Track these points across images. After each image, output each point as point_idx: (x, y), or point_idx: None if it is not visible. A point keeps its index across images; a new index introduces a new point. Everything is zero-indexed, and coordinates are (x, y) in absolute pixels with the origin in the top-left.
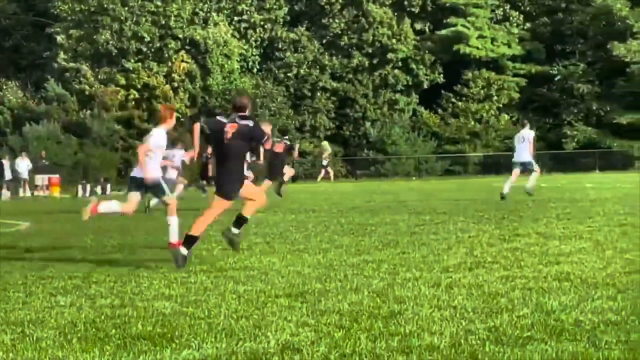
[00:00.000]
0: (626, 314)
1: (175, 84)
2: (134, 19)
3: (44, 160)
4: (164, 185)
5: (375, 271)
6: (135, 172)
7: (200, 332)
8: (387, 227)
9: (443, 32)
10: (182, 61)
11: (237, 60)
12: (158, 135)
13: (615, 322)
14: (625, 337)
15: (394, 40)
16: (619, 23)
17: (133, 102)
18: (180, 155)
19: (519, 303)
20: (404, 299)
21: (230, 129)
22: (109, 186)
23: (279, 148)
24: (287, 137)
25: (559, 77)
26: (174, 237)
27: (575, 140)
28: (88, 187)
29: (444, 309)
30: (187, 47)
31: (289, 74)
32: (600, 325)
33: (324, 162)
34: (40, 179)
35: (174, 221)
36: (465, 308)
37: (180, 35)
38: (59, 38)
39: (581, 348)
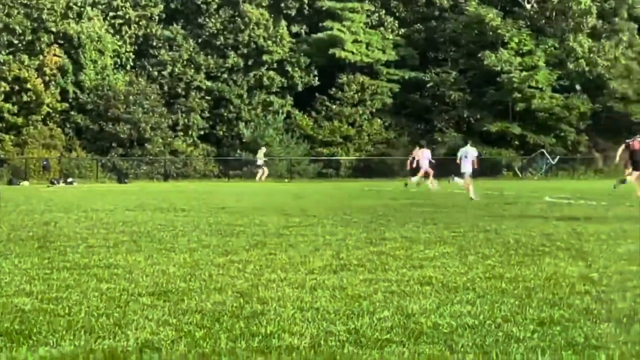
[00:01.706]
0: (484, 318)
1: (47, 78)
2: (6, 10)
3: None
4: None
5: (240, 272)
6: None
7: (59, 329)
8: (255, 228)
9: (319, 35)
10: (54, 55)
11: (110, 56)
12: None
13: (472, 326)
14: (481, 341)
15: (269, 42)
16: (491, 33)
17: (3, 95)
18: None
19: (380, 306)
20: (267, 299)
21: None
22: None
23: (637, 145)
24: None
25: (431, 83)
26: None
27: (446, 146)
28: None
29: (306, 311)
30: (59, 41)
31: (163, 72)
32: (458, 329)
33: (259, 162)
34: None
35: None
36: (327, 310)
37: (53, 29)
38: None
39: (437, 351)
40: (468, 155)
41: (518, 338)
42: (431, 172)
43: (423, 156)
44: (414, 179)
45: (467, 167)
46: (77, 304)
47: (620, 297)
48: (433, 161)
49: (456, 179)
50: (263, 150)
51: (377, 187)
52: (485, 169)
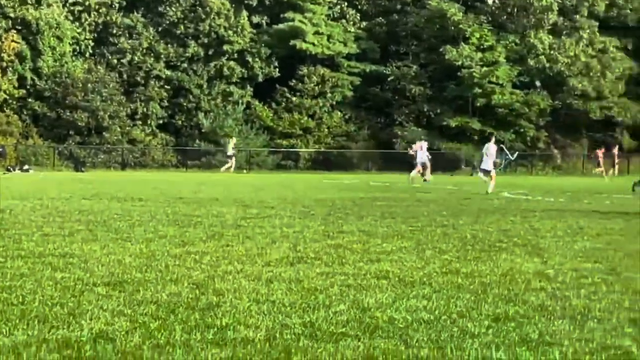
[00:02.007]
0: (439, 313)
1: (4, 64)
2: None
3: None
4: None
5: (197, 263)
6: None
7: (13, 319)
8: (213, 219)
9: (280, 26)
10: (12, 41)
11: (69, 43)
12: None
13: (427, 321)
14: (436, 336)
15: (230, 32)
16: (453, 27)
17: None
18: None
19: (336, 299)
20: (223, 291)
21: None
22: None
23: None
24: None
25: (392, 77)
26: None
27: (406, 140)
28: None
29: (262, 303)
30: (18, 27)
31: (122, 60)
32: (413, 324)
33: (230, 152)
34: None
35: None
36: (283, 302)
37: (12, 15)
38: None
39: (392, 345)
40: (489, 152)
41: (473, 334)
42: (428, 166)
43: (422, 150)
44: (412, 174)
45: (488, 164)
46: (31, 292)
47: (575, 294)
48: (429, 156)
49: (480, 174)
50: (234, 140)
51: (336, 179)
52: (444, 164)
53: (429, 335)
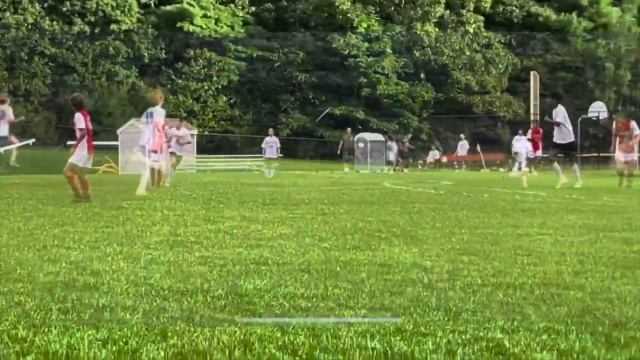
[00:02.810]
0: (316, 301)
1: None
2: None
3: None
4: None
5: (76, 243)
6: None
7: None
8: (94, 199)
9: (168, 7)
10: None
11: None
12: None
13: (305, 308)
14: (312, 323)
15: (117, 12)
16: (340, 16)
17: None
18: None
19: (215, 284)
20: (101, 272)
21: None
22: None
23: None
24: None
25: (278, 63)
26: None
27: (290, 127)
28: None
29: (141, 285)
30: None
31: (6, 35)
32: (291, 310)
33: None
34: None
35: None
36: (161, 286)
37: None
38: None
39: (269, 332)
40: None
41: (349, 322)
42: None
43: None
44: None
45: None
46: None
47: (451, 286)
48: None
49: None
50: None
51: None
52: (327, 153)
53: (305, 322)
